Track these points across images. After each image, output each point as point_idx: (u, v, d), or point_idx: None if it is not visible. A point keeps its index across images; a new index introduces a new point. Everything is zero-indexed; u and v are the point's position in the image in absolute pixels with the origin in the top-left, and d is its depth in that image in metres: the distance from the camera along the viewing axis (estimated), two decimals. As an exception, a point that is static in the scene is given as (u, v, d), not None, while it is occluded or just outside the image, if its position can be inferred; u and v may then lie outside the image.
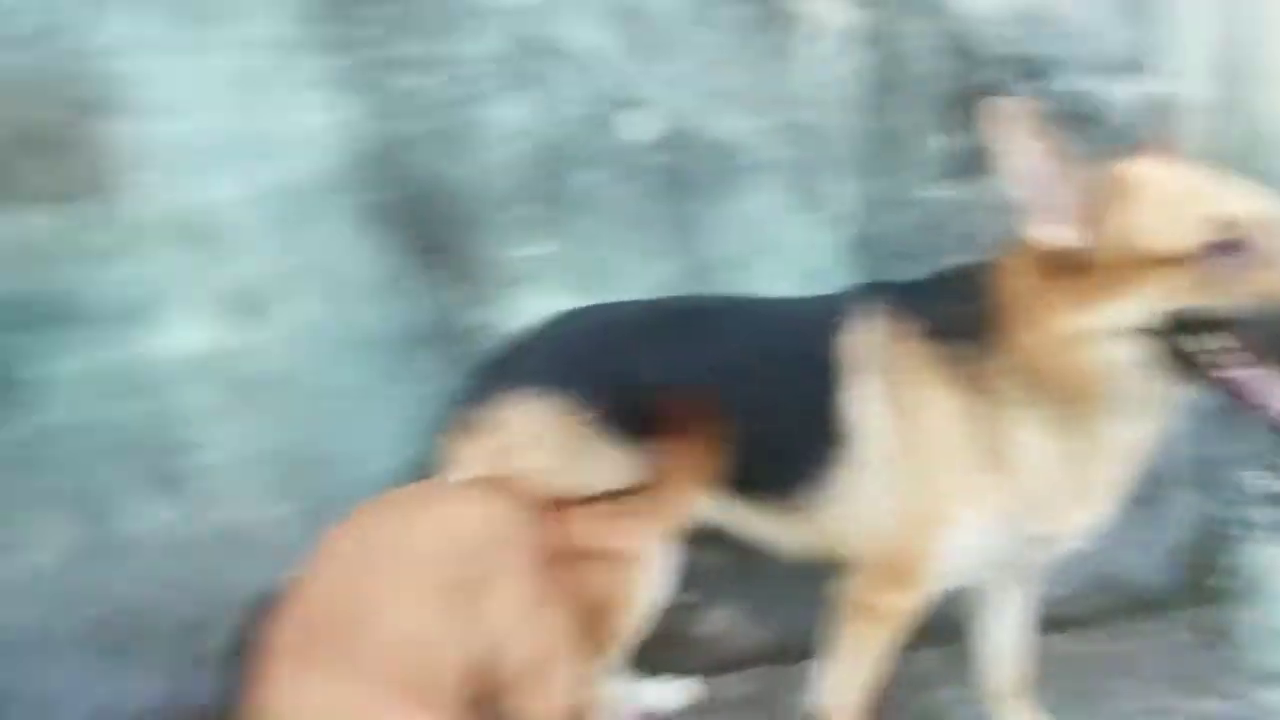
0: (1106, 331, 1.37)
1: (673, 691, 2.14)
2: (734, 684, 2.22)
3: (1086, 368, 1.40)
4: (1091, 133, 2.04)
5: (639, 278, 1.96)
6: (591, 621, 1.72)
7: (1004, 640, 1.88)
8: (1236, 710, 2.01)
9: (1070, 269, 1.38)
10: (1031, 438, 1.50)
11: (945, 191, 2.00)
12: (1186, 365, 1.36)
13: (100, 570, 2.03)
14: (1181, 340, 1.34)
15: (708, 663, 2.22)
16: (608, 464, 1.68)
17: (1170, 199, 1.36)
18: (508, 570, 1.42)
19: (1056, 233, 1.39)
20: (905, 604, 1.66)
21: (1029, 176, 1.38)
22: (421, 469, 1.90)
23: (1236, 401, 1.36)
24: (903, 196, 1.99)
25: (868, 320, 1.62)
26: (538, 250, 1.93)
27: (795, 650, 2.14)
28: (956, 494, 1.55)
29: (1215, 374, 1.35)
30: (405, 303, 1.96)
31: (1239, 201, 1.34)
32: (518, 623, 1.41)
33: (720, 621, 2.22)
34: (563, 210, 1.93)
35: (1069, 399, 1.45)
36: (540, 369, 1.73)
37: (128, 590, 2.05)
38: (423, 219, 1.92)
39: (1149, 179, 1.39)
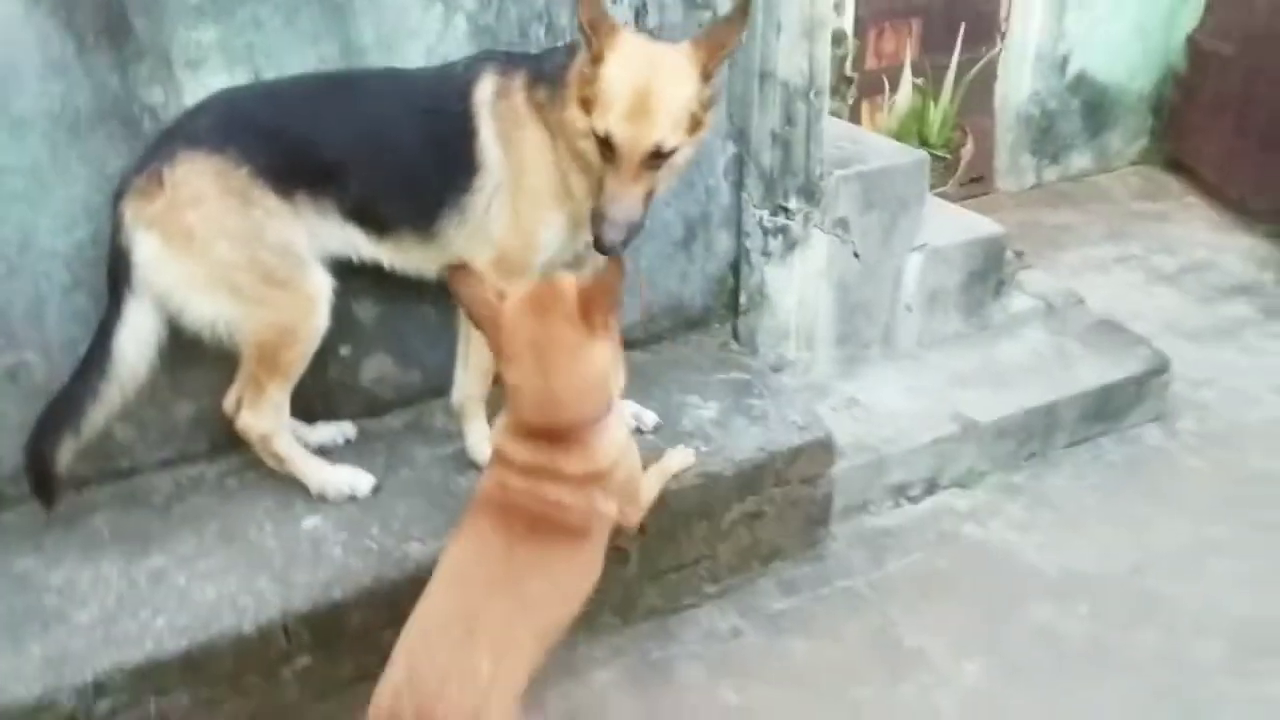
0: (585, 131, 1.98)
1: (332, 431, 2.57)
2: (394, 419, 2.71)
3: (581, 148, 2.03)
4: None
5: (300, 59, 2.23)
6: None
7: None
8: (748, 381, 2.86)
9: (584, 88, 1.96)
10: (575, 175, 2.11)
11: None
12: None
13: None
14: None
15: (370, 406, 2.68)
16: (270, 207, 2.03)
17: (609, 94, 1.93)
18: None
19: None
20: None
21: None
22: (102, 240, 2.11)
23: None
24: None
25: (493, 76, 2.11)
26: (209, 34, 2.13)
27: (440, 387, 2.69)
28: (548, 204, 2.15)
29: None
30: (78, 84, 2.07)
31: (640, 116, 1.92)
32: None
33: (375, 368, 2.67)
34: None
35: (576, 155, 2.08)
36: (205, 133, 2.02)
37: None
38: (95, 4, 2.03)
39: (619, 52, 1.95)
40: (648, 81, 1.90)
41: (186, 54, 2.14)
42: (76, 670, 1.94)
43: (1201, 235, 4.67)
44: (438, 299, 2.58)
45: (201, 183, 1.99)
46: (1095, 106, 5.06)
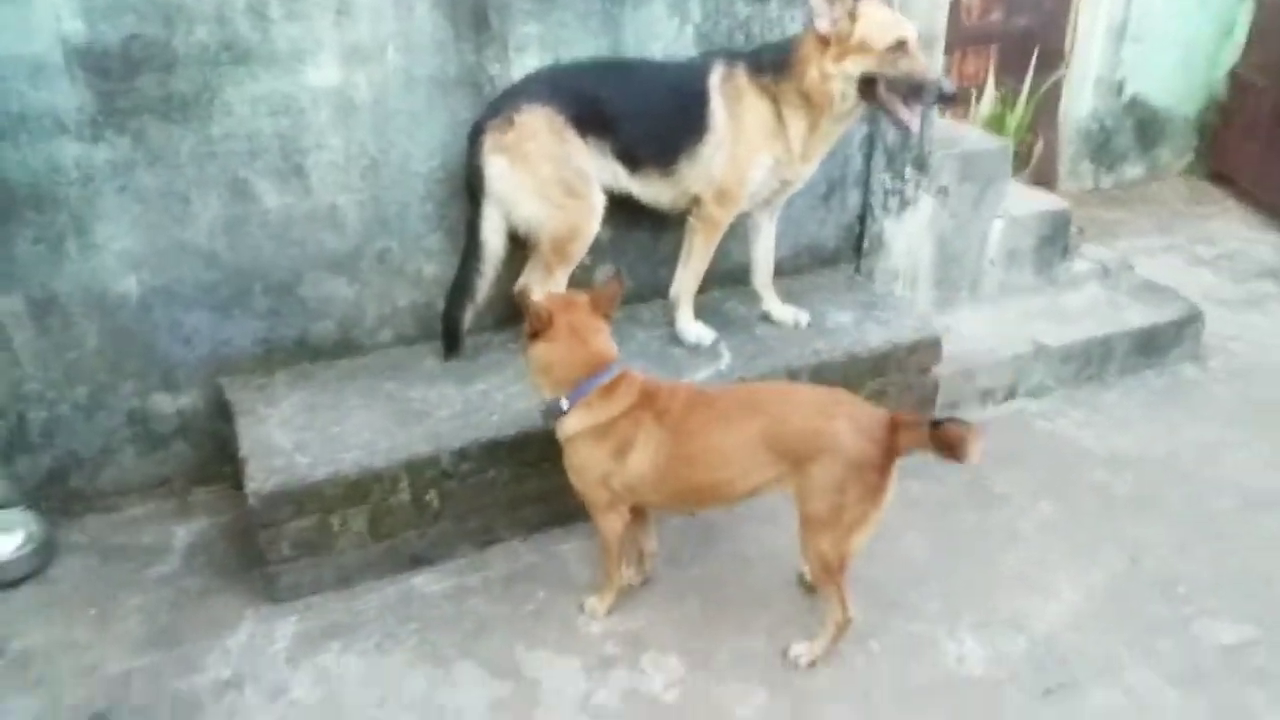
0: (840, 76, 2.94)
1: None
2: (616, 314, 3.65)
3: (829, 91, 2.98)
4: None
5: (585, 49, 3.26)
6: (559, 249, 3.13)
7: (763, 253, 3.54)
8: (874, 300, 3.79)
9: (836, 46, 2.93)
10: (795, 124, 3.09)
11: (749, 8, 3.45)
12: (871, 98, 2.97)
13: (229, 241, 3.07)
14: (869, 86, 2.95)
15: (596, 303, 3.66)
16: (575, 144, 3.05)
17: (877, 21, 2.91)
18: None
19: (826, 27, 2.92)
20: (728, 216, 3.25)
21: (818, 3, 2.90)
22: (450, 167, 3.15)
23: (891, 118, 3.01)
24: (730, 10, 3.43)
25: (721, 67, 3.12)
26: (533, 29, 3.17)
27: (648, 293, 3.67)
28: (758, 150, 3.13)
29: (883, 104, 2.98)
30: (453, 57, 3.11)
31: (905, 26, 2.92)
32: None
33: (605, 275, 3.64)
34: (545, 6, 3.16)
35: (815, 106, 3.03)
36: (538, 92, 3.04)
37: (243, 258, 3.12)
38: (470, 5, 3.07)
39: (868, 10, 2.93)
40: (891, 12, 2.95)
41: (518, 42, 3.17)
42: (448, 442, 2.92)
43: (1237, 231, 5.54)
44: (650, 228, 3.57)
45: (537, 123, 3.00)
46: (1147, 125, 5.98)
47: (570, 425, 2.58)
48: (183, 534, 3.17)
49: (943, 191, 4.04)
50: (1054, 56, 5.54)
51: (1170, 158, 6.16)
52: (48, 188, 2.81)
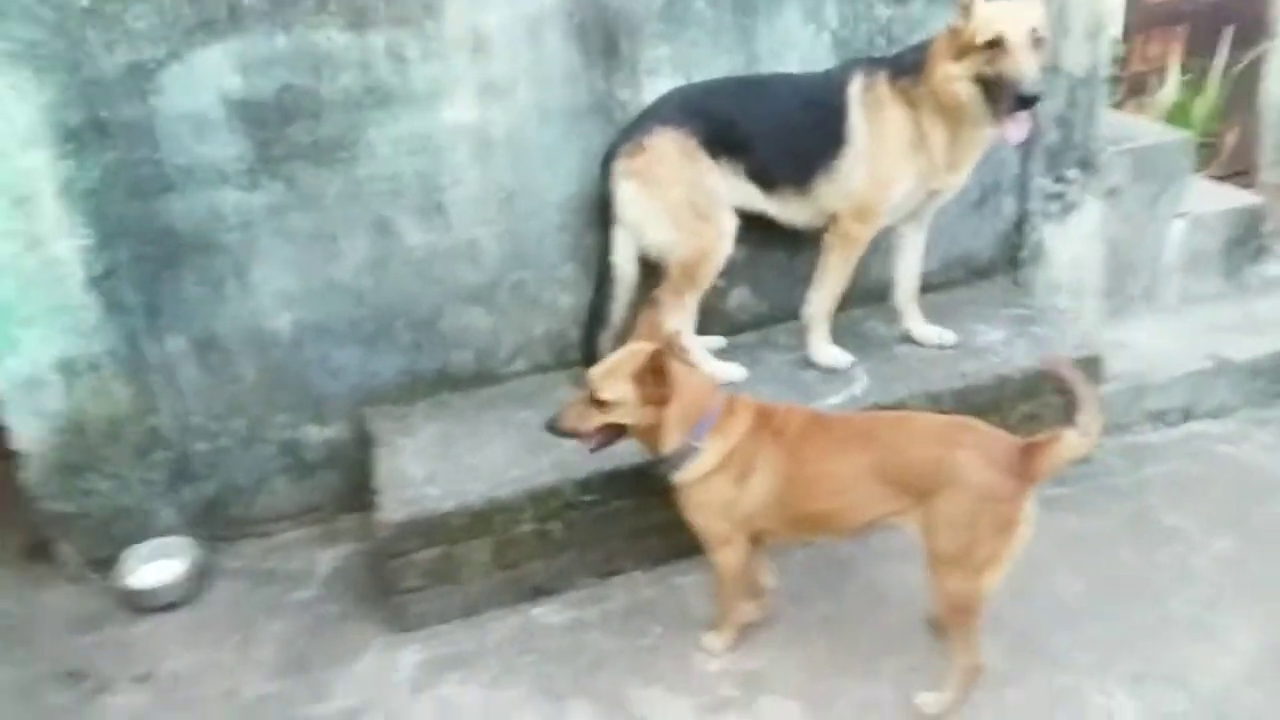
0: (963, 75, 2.76)
1: (710, 341, 3.49)
2: (748, 338, 3.62)
3: (954, 94, 2.80)
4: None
5: (719, 66, 3.21)
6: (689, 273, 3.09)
7: (908, 267, 3.37)
8: (1030, 315, 3.54)
9: (956, 44, 2.75)
10: (936, 133, 2.92)
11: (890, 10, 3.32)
12: (993, 104, 2.77)
13: (375, 279, 3.23)
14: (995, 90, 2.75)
15: (732, 325, 3.60)
16: (706, 167, 3.01)
17: (985, 15, 2.72)
18: None
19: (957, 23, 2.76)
20: (868, 233, 3.11)
21: None
22: (583, 196, 3.20)
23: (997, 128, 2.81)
24: (869, 14, 3.30)
25: (861, 76, 2.99)
26: (664, 51, 3.16)
27: (783, 315, 3.59)
28: (901, 162, 2.98)
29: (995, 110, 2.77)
30: (584, 87, 3.15)
31: (1009, 21, 2.69)
32: None
33: (738, 298, 3.59)
34: (675, 26, 3.14)
35: (948, 111, 2.86)
36: (668, 115, 3.02)
37: (387, 295, 3.26)
38: (601, 33, 3.10)
39: (983, 2, 2.74)
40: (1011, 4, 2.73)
41: (648, 65, 3.17)
42: (573, 471, 2.96)
43: None
44: (788, 246, 3.48)
45: (668, 147, 2.98)
46: (1366, 103, 5.29)
47: (707, 461, 2.54)
48: (327, 559, 3.32)
49: (1113, 193, 3.73)
50: (1253, 32, 4.99)
51: (1396, 138, 5.42)
52: (210, 234, 3.04)
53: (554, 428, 2.55)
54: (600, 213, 3.14)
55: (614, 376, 2.47)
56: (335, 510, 3.50)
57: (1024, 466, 2.31)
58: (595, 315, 3.22)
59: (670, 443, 2.53)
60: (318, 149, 3.01)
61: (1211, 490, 3.29)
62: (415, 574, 2.93)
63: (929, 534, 2.39)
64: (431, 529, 2.89)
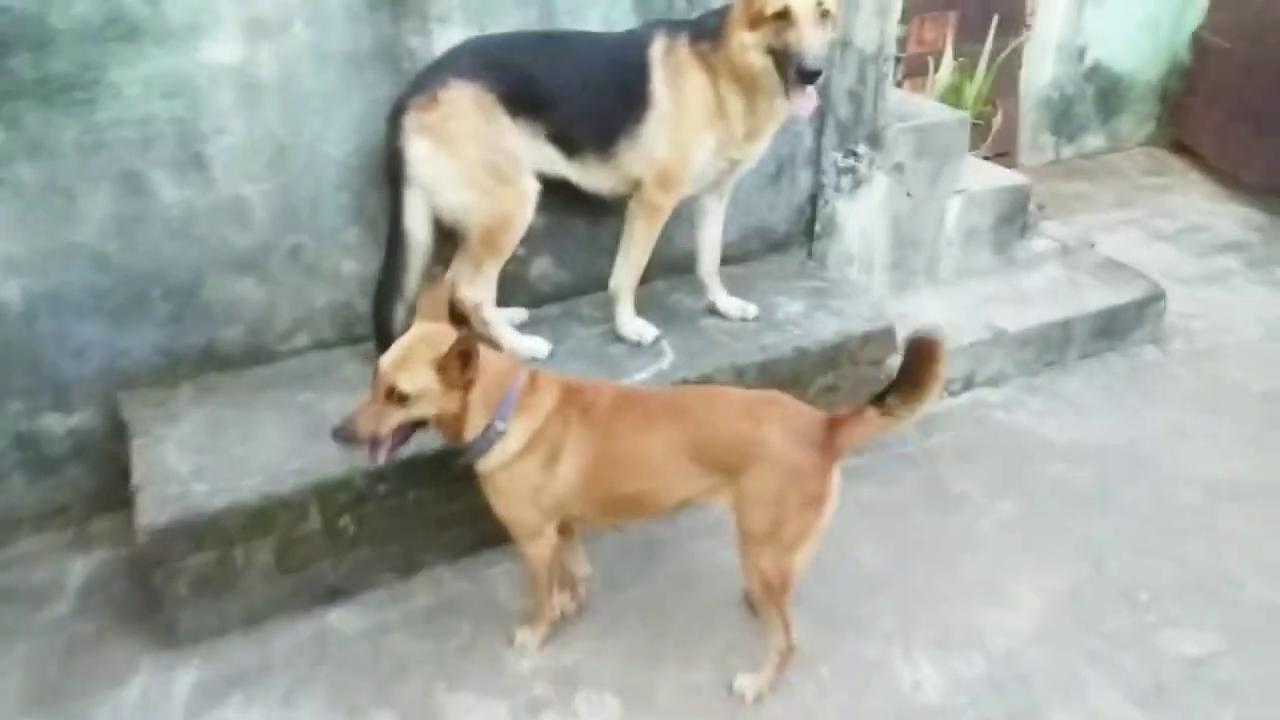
0: (755, 44, 2.70)
1: (510, 313, 3.29)
2: (551, 310, 3.44)
3: (748, 64, 2.74)
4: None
5: (512, 19, 2.99)
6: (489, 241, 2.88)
7: (710, 239, 3.31)
8: (826, 288, 3.59)
9: (749, 12, 2.68)
10: (733, 100, 2.84)
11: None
12: (783, 76, 2.72)
13: (123, 242, 2.79)
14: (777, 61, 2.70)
15: (534, 297, 3.42)
16: (505, 125, 2.79)
17: None
18: None
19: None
20: (670, 201, 3.00)
21: None
22: (367, 152, 2.89)
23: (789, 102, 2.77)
24: None
25: (663, 38, 2.86)
26: None
27: (587, 286, 3.44)
28: (701, 129, 2.88)
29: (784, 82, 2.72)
30: (368, 30, 2.83)
31: None
32: None
33: (539, 267, 3.41)
34: None
35: (742, 80, 2.79)
36: (464, 67, 2.77)
37: (139, 260, 2.83)
38: None
39: None
40: None
41: (439, 11, 2.89)
42: (364, 461, 2.65)
43: (1199, 204, 5.41)
44: (588, 215, 3.34)
45: (464, 102, 2.73)
46: (1108, 93, 5.80)
47: (512, 444, 2.34)
48: (79, 569, 2.90)
49: (898, 168, 3.83)
50: (1015, 23, 5.32)
51: (1132, 127, 6.00)
52: (-92, 182, 2.52)
53: (347, 436, 2.24)
54: (388, 172, 2.84)
55: (412, 365, 2.21)
56: (86, 511, 3.06)
57: (829, 441, 2.28)
58: (387, 285, 2.91)
59: (473, 429, 2.33)
60: (47, 87, 2.55)
61: (992, 455, 3.46)
62: (185, 583, 2.58)
63: (739, 512, 2.33)
64: (201, 531, 2.55)
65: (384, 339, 2.88)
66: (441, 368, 2.20)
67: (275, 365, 3.10)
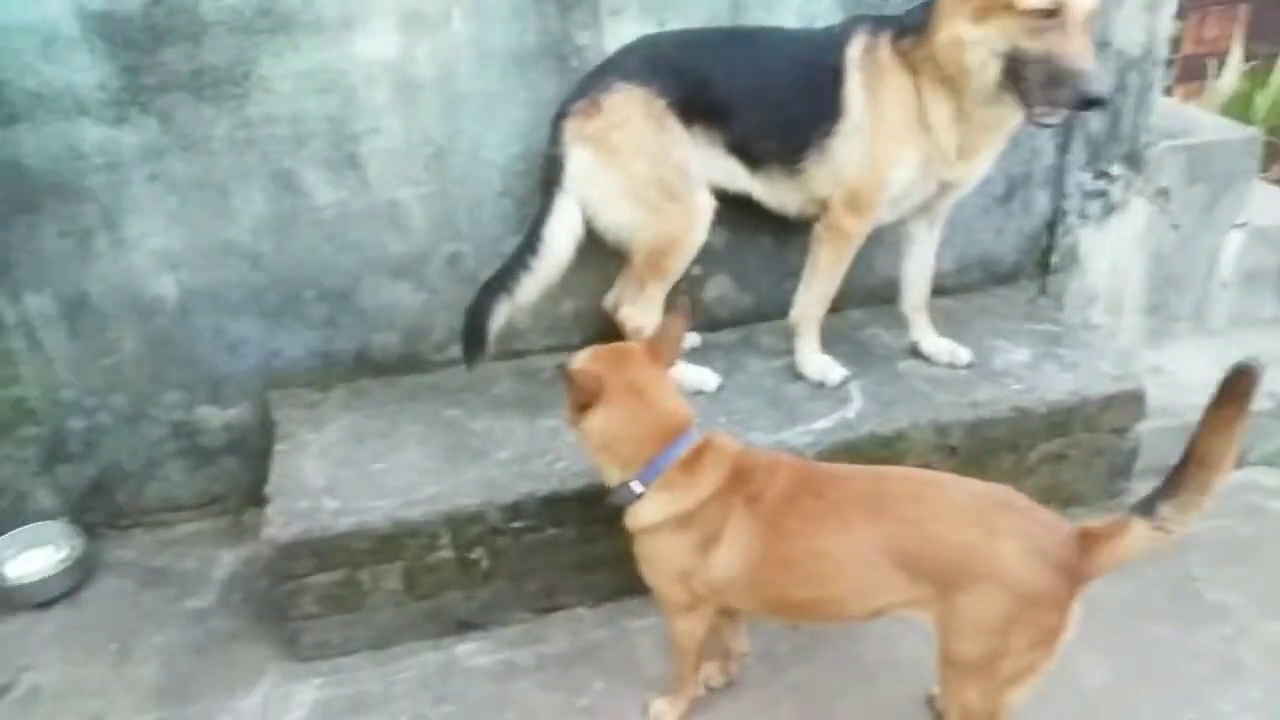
0: (981, 43, 2.19)
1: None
2: (727, 337, 3.08)
3: (962, 63, 2.23)
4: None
5: (696, 12, 2.65)
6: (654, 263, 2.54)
7: (917, 271, 2.82)
8: (1059, 333, 3.01)
9: (972, 5, 2.18)
10: (937, 108, 2.36)
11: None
12: (1014, 86, 2.20)
13: (276, 241, 2.68)
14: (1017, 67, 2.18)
15: (709, 322, 3.06)
16: (677, 135, 2.45)
17: None
18: None
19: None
20: (862, 228, 2.55)
21: None
22: (531, 157, 2.63)
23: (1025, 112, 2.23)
24: None
25: (863, 36, 2.42)
26: None
27: (770, 311, 3.05)
28: (900, 143, 2.41)
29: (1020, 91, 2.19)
30: (533, 25, 2.58)
31: None
32: None
33: (717, 288, 3.05)
34: None
35: (952, 83, 2.29)
36: (633, 69, 2.45)
37: (292, 260, 2.72)
38: None
39: None
40: None
41: (612, 4, 2.60)
42: (499, 494, 2.44)
43: None
44: (776, 232, 2.94)
45: (630, 109, 2.42)
46: None
47: (646, 515, 2.01)
48: (226, 561, 2.87)
49: (1162, 194, 3.18)
50: (1326, 18, 4.44)
51: None
52: (70, 176, 2.50)
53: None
54: (544, 177, 2.56)
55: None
56: (240, 503, 3.02)
57: (1078, 562, 1.77)
58: (497, 282, 2.55)
59: (606, 474, 2.02)
60: (199, 80, 2.46)
61: (1267, 558, 2.77)
62: (310, 599, 2.44)
63: (948, 634, 1.86)
64: (326, 550, 2.39)
65: (475, 336, 2.59)
66: (570, 379, 1.93)
67: (429, 375, 2.93)
